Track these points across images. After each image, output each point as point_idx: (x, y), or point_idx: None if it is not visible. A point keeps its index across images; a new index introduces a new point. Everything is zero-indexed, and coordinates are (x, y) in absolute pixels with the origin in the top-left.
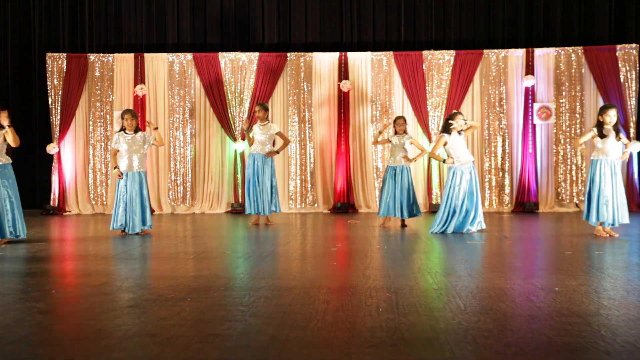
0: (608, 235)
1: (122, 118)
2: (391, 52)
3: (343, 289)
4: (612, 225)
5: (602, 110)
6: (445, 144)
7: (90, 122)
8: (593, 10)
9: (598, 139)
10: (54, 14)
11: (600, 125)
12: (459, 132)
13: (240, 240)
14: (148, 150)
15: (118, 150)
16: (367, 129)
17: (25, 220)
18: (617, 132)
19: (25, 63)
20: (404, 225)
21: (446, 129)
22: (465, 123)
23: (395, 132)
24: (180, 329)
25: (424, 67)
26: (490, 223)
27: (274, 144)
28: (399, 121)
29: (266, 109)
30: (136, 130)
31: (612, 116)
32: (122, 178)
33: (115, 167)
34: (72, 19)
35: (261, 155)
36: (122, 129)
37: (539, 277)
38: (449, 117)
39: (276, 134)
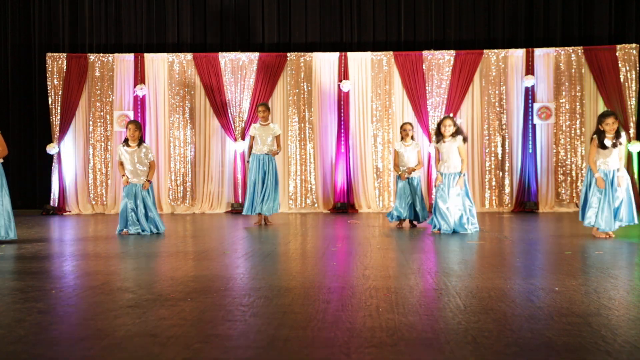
0: (607, 236)
1: (127, 128)
2: (391, 52)
3: (343, 289)
4: (605, 230)
5: (601, 119)
6: (437, 152)
7: (90, 122)
8: (593, 10)
9: (599, 150)
10: (54, 14)
11: (600, 133)
12: (452, 136)
13: (240, 240)
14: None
15: (119, 161)
16: (367, 129)
17: (15, 222)
18: (618, 136)
19: (25, 63)
20: (413, 226)
21: (436, 135)
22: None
23: (402, 138)
24: (180, 329)
25: (424, 67)
26: (490, 223)
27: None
28: (405, 127)
29: (269, 109)
30: (140, 143)
31: (610, 124)
32: (128, 185)
33: (123, 175)
34: (72, 19)
35: (267, 156)
36: (126, 141)
37: (539, 277)
38: (439, 123)
39: (276, 136)
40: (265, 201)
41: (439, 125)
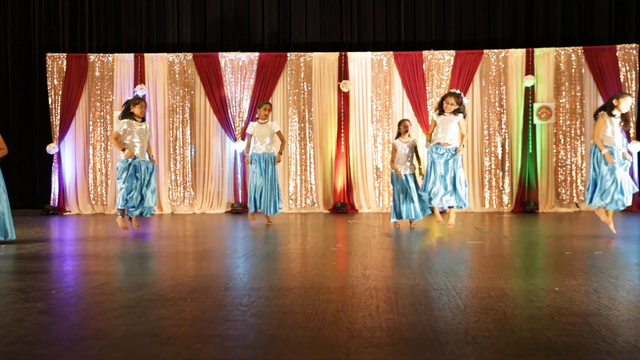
0: (609, 226)
1: (136, 104)
2: (391, 52)
3: (343, 289)
4: (616, 209)
5: (619, 96)
6: (435, 125)
7: (90, 122)
8: (593, 10)
9: (606, 125)
10: (54, 14)
11: (611, 107)
12: (454, 113)
13: (240, 240)
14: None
15: (121, 135)
16: (367, 129)
17: (15, 222)
18: (627, 121)
19: (25, 63)
20: (411, 223)
21: (438, 109)
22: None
23: (400, 135)
24: (180, 329)
25: (424, 67)
26: (490, 223)
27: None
28: (406, 123)
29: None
30: (143, 119)
31: (628, 104)
32: (133, 157)
33: (124, 149)
34: (72, 19)
35: (266, 154)
36: (130, 115)
37: (539, 277)
38: (442, 98)
39: (276, 132)
40: (268, 199)
41: (441, 100)
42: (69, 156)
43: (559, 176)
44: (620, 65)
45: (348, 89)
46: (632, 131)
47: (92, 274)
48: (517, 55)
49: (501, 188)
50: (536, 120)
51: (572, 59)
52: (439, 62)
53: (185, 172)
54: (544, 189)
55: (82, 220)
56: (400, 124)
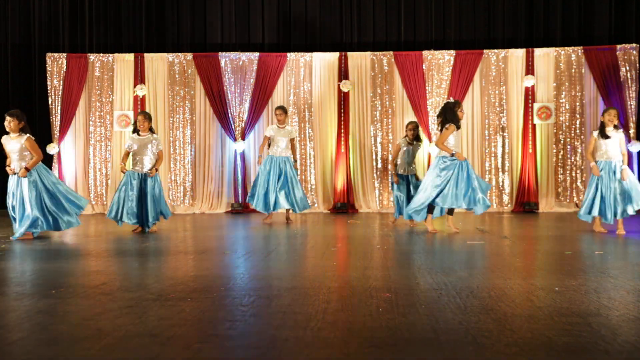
0: (604, 231)
1: (136, 120)
2: (391, 52)
3: (343, 289)
4: (607, 220)
5: (604, 111)
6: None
7: (90, 122)
8: (593, 10)
9: (600, 141)
10: (54, 14)
11: (602, 126)
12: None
13: (240, 240)
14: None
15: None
16: (367, 129)
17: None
18: (617, 128)
19: (25, 63)
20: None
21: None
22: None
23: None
24: (180, 329)
25: (424, 67)
26: (490, 223)
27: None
28: (410, 126)
29: (287, 112)
30: (152, 132)
31: (613, 116)
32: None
33: (122, 163)
34: (72, 19)
35: (281, 157)
36: (137, 131)
37: (539, 277)
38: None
39: (291, 138)
40: (294, 198)
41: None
42: (69, 156)
43: (559, 176)
44: (620, 65)
45: (348, 89)
46: (632, 131)
47: (92, 273)
48: (517, 55)
49: (501, 188)
50: (536, 120)
51: (572, 59)
52: (439, 62)
53: (185, 172)
54: (544, 189)
55: (82, 220)
56: (406, 127)
